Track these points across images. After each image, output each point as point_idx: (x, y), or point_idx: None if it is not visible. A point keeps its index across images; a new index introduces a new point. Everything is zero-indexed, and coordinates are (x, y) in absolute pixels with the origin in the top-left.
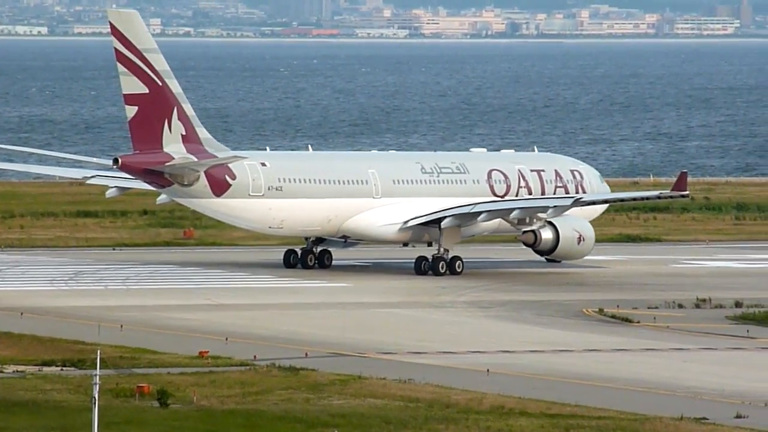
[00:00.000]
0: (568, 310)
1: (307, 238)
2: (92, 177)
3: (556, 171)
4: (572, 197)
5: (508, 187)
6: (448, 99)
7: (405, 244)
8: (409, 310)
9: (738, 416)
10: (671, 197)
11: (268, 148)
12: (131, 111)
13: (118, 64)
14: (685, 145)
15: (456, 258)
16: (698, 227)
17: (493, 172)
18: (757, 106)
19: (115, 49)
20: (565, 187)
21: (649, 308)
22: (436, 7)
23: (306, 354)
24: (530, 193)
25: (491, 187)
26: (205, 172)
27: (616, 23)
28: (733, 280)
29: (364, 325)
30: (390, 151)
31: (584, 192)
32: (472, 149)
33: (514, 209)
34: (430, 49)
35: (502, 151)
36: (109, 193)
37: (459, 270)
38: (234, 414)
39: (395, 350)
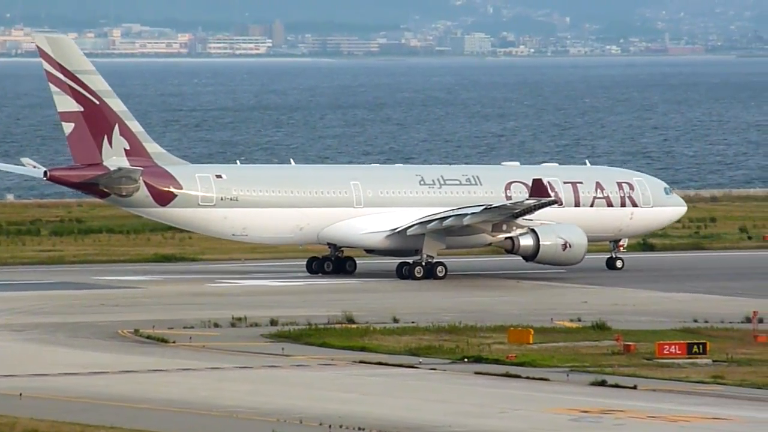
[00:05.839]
0: (104, 331)
1: (329, 246)
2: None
3: (597, 183)
4: (482, 205)
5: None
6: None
7: (415, 252)
8: None
9: None
10: (543, 205)
11: (238, 161)
12: (68, 127)
13: (50, 84)
14: None
15: (438, 263)
16: (234, 246)
17: (513, 184)
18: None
19: (45, 71)
20: (606, 198)
21: (185, 328)
22: None
23: None
24: (561, 204)
25: (509, 199)
26: (145, 182)
27: (149, 42)
28: (268, 298)
29: None
30: (396, 165)
31: (633, 205)
32: (503, 163)
33: (447, 217)
34: None
35: (543, 164)
36: None
37: (441, 275)
38: None
39: None
